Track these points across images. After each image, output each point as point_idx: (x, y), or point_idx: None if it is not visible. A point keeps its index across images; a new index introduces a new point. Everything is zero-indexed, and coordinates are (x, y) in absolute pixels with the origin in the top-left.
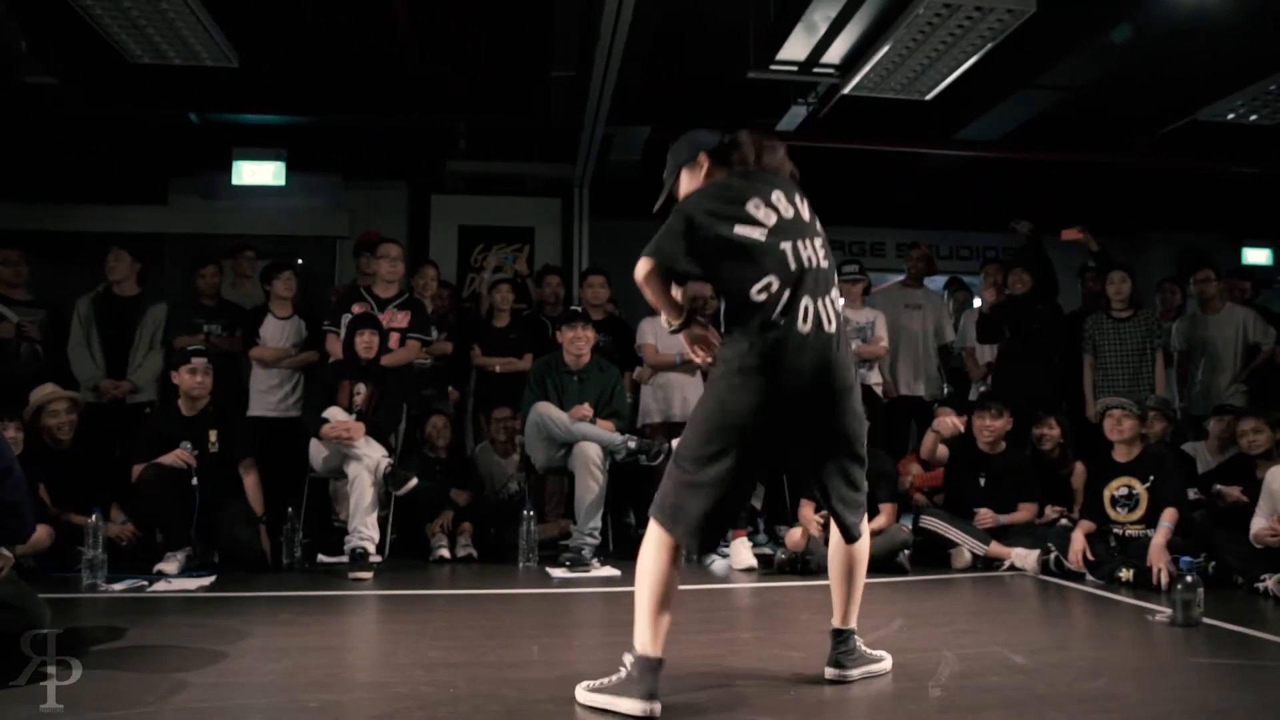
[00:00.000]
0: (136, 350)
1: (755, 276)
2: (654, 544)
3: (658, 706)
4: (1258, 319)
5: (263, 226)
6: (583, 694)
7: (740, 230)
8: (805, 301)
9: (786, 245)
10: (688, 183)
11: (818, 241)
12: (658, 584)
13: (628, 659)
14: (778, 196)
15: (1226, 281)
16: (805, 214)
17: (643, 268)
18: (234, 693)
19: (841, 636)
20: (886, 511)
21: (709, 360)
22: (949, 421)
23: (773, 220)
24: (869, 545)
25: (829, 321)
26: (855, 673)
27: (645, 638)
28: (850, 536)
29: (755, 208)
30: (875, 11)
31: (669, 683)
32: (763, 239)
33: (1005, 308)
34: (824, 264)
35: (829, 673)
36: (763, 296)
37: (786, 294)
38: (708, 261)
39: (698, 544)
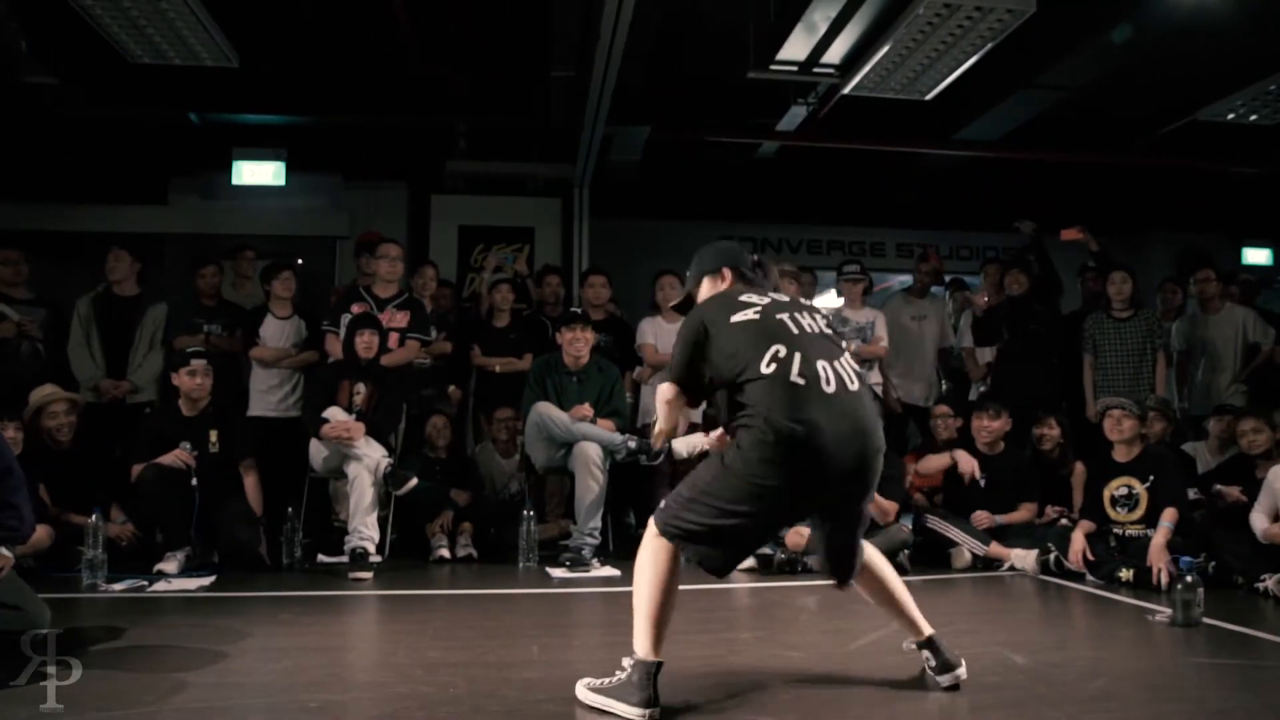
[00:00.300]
0: (136, 350)
1: (762, 350)
2: (653, 549)
3: (657, 712)
4: (1258, 319)
5: (263, 226)
6: (582, 691)
7: (736, 317)
8: (821, 364)
9: (783, 315)
10: (708, 290)
11: (816, 315)
12: (658, 589)
13: (627, 662)
14: (774, 292)
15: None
16: (804, 301)
17: (668, 392)
18: (234, 693)
19: (931, 642)
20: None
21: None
22: (968, 469)
23: (766, 301)
24: (876, 551)
25: (851, 380)
26: (962, 672)
27: (645, 643)
28: (843, 581)
29: (749, 298)
30: (875, 11)
31: (669, 683)
32: (758, 317)
33: (1003, 309)
34: (826, 331)
35: (944, 680)
36: (773, 367)
37: (797, 356)
38: (716, 364)
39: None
